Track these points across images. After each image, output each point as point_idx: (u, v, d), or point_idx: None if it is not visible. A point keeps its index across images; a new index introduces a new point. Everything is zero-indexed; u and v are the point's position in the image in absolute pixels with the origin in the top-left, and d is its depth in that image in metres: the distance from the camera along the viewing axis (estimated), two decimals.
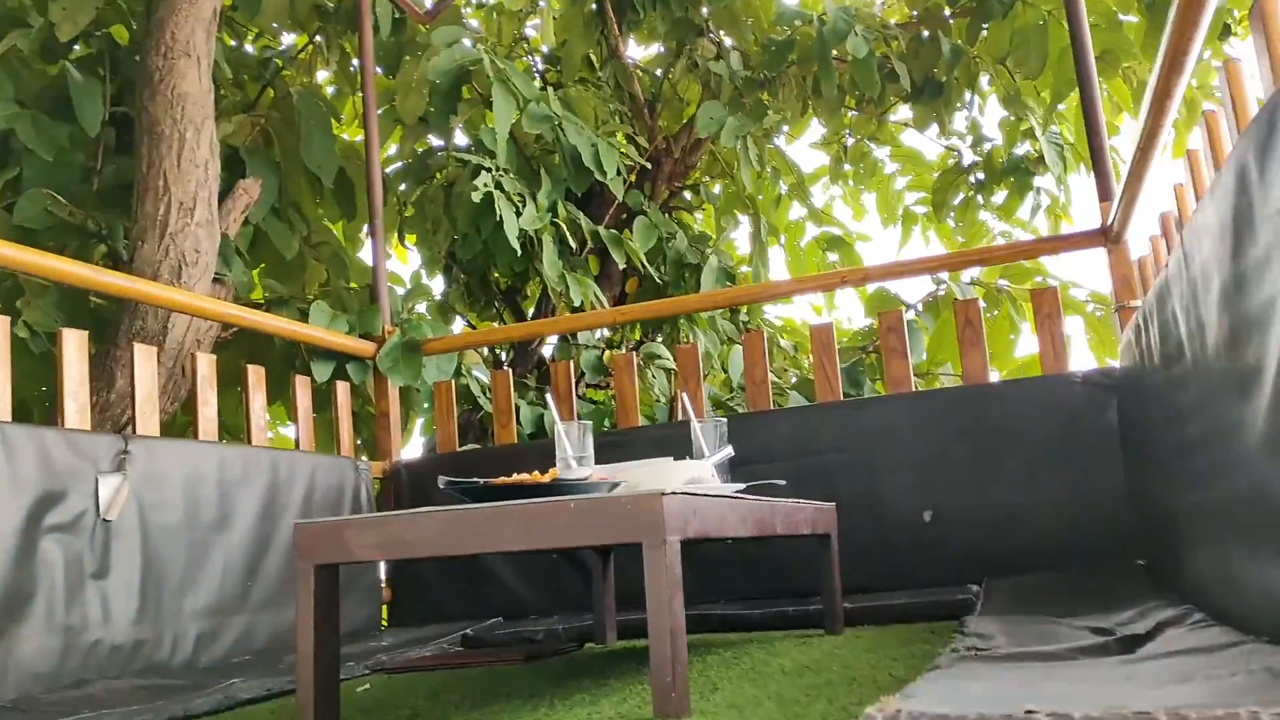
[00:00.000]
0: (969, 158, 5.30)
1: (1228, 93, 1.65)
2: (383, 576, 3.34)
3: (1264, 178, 1.06)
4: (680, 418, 3.54)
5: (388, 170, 4.88)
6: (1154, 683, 1.00)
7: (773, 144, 5.40)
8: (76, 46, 3.75)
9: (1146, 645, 1.45)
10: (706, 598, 2.86)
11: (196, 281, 3.17)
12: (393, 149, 5.10)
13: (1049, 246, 3.24)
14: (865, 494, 2.86)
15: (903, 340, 3.03)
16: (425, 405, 4.35)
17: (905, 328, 3.05)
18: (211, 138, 3.30)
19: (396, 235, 5.09)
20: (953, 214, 5.42)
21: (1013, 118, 5.05)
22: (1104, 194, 2.94)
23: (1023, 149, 5.12)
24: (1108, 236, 2.87)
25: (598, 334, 4.87)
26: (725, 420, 2.37)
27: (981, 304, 3.12)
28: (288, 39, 4.95)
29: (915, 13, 5.04)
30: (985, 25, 4.72)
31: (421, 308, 4.93)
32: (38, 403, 3.39)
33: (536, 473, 1.68)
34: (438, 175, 4.69)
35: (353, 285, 4.43)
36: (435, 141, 4.92)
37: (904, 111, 5.49)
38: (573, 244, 4.42)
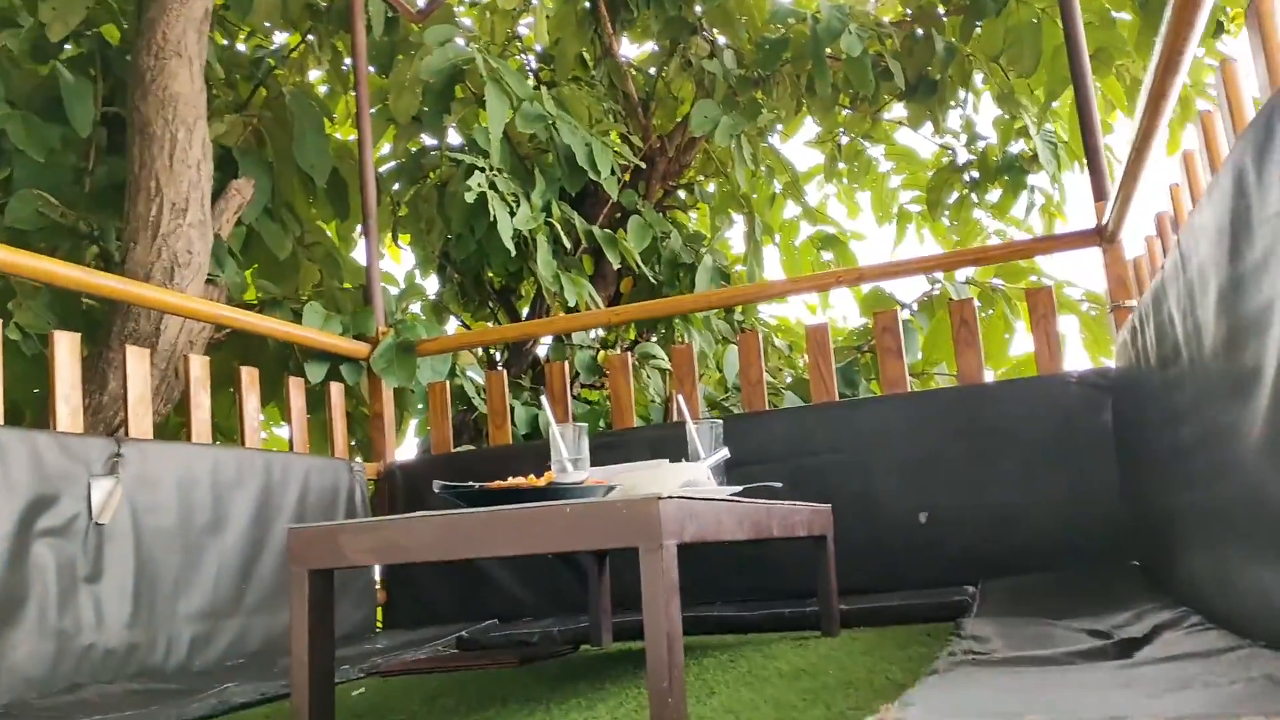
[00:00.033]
0: (963, 156, 5.30)
1: (1223, 93, 1.64)
2: (377, 578, 3.34)
3: (1261, 180, 1.05)
4: (675, 418, 3.53)
5: (381, 170, 4.87)
6: (1153, 690, 1.00)
7: (767, 142, 5.40)
8: (67, 46, 3.73)
9: (1144, 649, 1.44)
10: (702, 599, 2.85)
11: (189, 283, 3.16)
12: (386, 148, 5.09)
13: (1044, 246, 3.24)
14: (861, 495, 2.85)
15: (898, 340, 3.02)
16: (420, 406, 4.34)
17: (900, 328, 3.05)
18: (204, 138, 3.28)
19: (390, 235, 5.07)
20: (947, 212, 5.42)
21: (1007, 116, 5.05)
22: (1099, 193, 2.94)
23: (1017, 147, 5.12)
24: (1103, 236, 2.87)
25: (592, 334, 4.86)
26: (721, 422, 2.37)
27: (976, 303, 3.11)
28: (280, 38, 4.94)
29: (909, 11, 5.04)
30: (979, 23, 4.71)
31: (415, 308, 4.93)
32: (30, 405, 3.37)
33: (532, 476, 1.68)
34: (431, 175, 4.67)
35: (346, 285, 4.42)
36: (429, 140, 4.91)
37: (898, 110, 5.48)
38: (567, 244, 4.41)
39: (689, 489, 1.85)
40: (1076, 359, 8.68)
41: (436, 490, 1.63)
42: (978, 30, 4.73)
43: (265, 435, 5.02)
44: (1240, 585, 1.34)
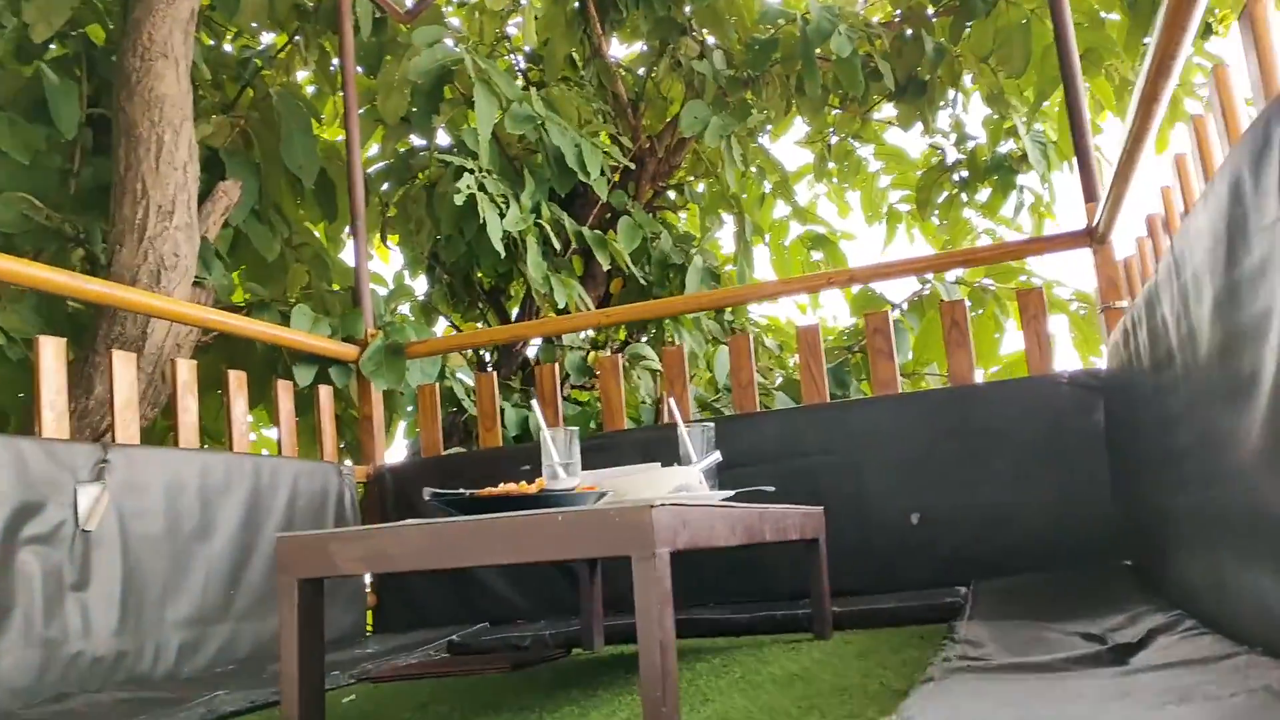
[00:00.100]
0: (953, 156, 5.31)
1: (1216, 98, 1.64)
2: (367, 582, 3.32)
3: (1259, 188, 1.05)
4: (667, 420, 3.53)
5: (369, 170, 4.84)
6: (1153, 702, 0.99)
7: (756, 142, 5.39)
8: (52, 47, 3.70)
9: (1139, 654, 1.44)
10: (695, 601, 2.84)
11: (176, 285, 3.14)
12: (374, 149, 5.06)
13: (1035, 247, 3.24)
14: (852, 496, 2.85)
15: (889, 341, 3.02)
16: (409, 408, 4.32)
17: (891, 329, 3.04)
18: (190, 139, 3.26)
19: (379, 235, 5.05)
20: (936, 212, 5.43)
21: (996, 116, 5.06)
22: (1089, 194, 2.94)
23: (1006, 147, 5.13)
24: (1093, 237, 2.87)
25: (582, 334, 4.84)
26: (712, 425, 2.36)
27: (967, 303, 3.11)
28: (267, 38, 4.91)
29: (898, 11, 5.04)
30: (968, 24, 4.72)
31: (404, 308, 4.91)
32: (15, 410, 3.34)
33: (524, 483, 1.66)
34: (420, 175, 4.65)
35: (335, 286, 4.40)
36: (417, 141, 4.89)
37: (888, 110, 5.49)
38: (557, 245, 4.39)
39: (681, 494, 1.84)
40: (1066, 358, 8.71)
41: (427, 498, 1.61)
42: (967, 31, 4.74)
43: (254, 437, 5.00)
44: (1236, 590, 1.34)
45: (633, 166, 4.95)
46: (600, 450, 3.00)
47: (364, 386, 3.54)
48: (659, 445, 2.82)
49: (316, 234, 4.67)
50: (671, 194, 5.61)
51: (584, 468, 2.25)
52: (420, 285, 5.09)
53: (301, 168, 4.02)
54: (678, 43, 4.87)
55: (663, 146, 5.13)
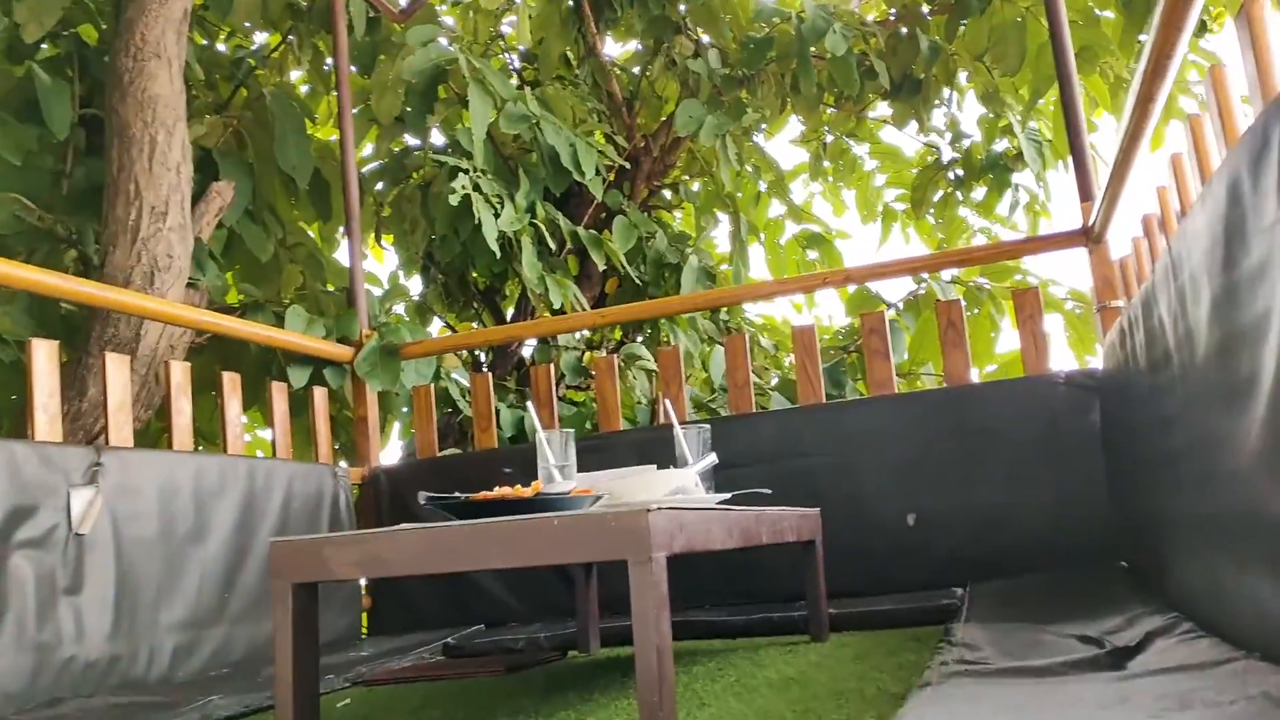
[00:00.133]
0: (948, 154, 5.30)
1: (1213, 97, 1.63)
2: (363, 584, 3.31)
3: (1257, 190, 1.04)
4: (662, 420, 3.52)
5: (364, 170, 4.83)
6: (1153, 708, 0.99)
7: (751, 141, 5.38)
8: (44, 46, 3.68)
9: (1137, 658, 1.43)
10: (691, 603, 2.83)
11: (169, 287, 3.13)
12: (369, 148, 5.05)
13: (1031, 247, 3.23)
14: (849, 497, 2.84)
15: (885, 342, 3.01)
16: (404, 409, 4.31)
17: (887, 328, 3.04)
18: (183, 140, 3.24)
19: (373, 235, 5.04)
20: (932, 210, 5.42)
21: (991, 114, 5.05)
22: (1085, 194, 2.94)
23: (1001, 145, 5.12)
24: (1089, 237, 2.87)
25: (578, 334, 4.83)
26: (708, 426, 2.35)
27: (962, 303, 3.11)
28: (260, 38, 4.89)
29: (893, 10, 5.03)
30: (963, 22, 4.71)
31: (399, 308, 4.90)
32: (8, 413, 3.33)
33: (519, 486, 1.66)
34: (415, 175, 4.64)
35: (330, 287, 4.38)
36: (412, 141, 4.88)
37: (883, 108, 5.48)
38: (552, 245, 4.38)
39: (677, 497, 1.83)
40: (1061, 357, 8.71)
41: (422, 502, 1.60)
42: (962, 29, 4.73)
43: (249, 438, 4.99)
44: (1233, 594, 1.33)
45: (628, 166, 4.95)
46: (596, 451, 2.99)
47: (359, 388, 3.53)
48: (655, 446, 2.81)
49: (311, 234, 4.66)
50: (667, 193, 5.60)
51: (580, 469, 2.25)
52: (415, 285, 5.08)
53: (295, 168, 4.01)
54: (672, 41, 4.86)
55: (658, 145, 5.12)
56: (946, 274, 4.69)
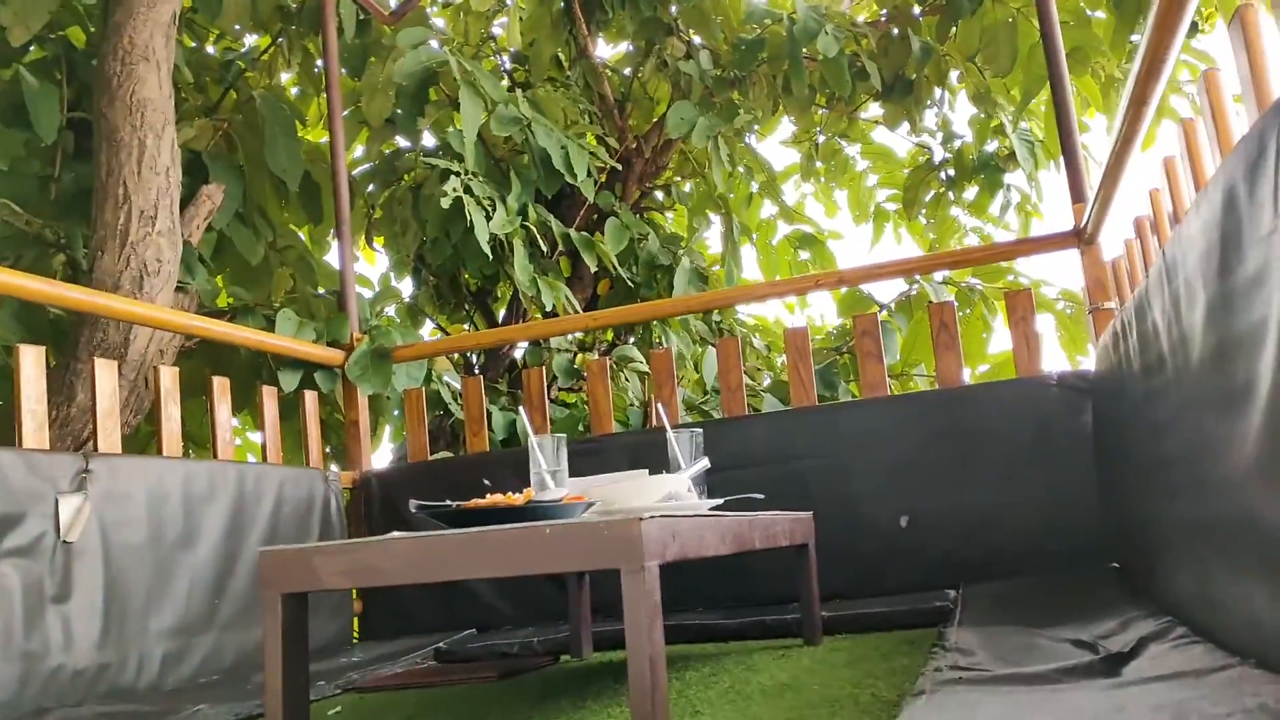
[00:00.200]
0: (940, 155, 5.30)
1: (1206, 101, 1.63)
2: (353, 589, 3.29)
3: (1253, 199, 1.04)
4: (655, 423, 3.51)
5: (354, 172, 4.81)
6: (1149, 719, 0.98)
7: (744, 142, 5.38)
8: (31, 49, 3.65)
9: (1131, 664, 1.43)
10: (683, 606, 2.83)
11: (159, 291, 3.11)
12: (359, 150, 5.03)
13: (1023, 249, 3.23)
14: (842, 499, 2.83)
15: (878, 344, 3.01)
16: (395, 412, 4.30)
17: (880, 331, 3.03)
18: (172, 144, 3.22)
19: (364, 238, 5.02)
20: (924, 211, 5.42)
21: (983, 115, 5.05)
22: (1077, 195, 2.94)
23: (993, 146, 5.12)
24: (1081, 238, 2.87)
25: (569, 336, 4.82)
26: (701, 430, 2.34)
27: (954, 303, 3.10)
28: (250, 40, 4.87)
29: (885, 11, 5.03)
30: (955, 23, 4.71)
31: (390, 310, 4.88)
32: None
33: (511, 494, 1.64)
34: (406, 177, 4.62)
35: (320, 289, 4.36)
36: (403, 143, 4.86)
37: (874, 109, 5.48)
38: (544, 247, 4.37)
39: (670, 504, 1.82)
40: (1052, 357, 8.72)
41: (414, 509, 1.59)
42: (954, 30, 4.73)
43: (239, 442, 4.96)
44: (1228, 601, 1.33)
45: (619, 167, 4.93)
46: (588, 454, 2.99)
47: (350, 391, 3.52)
48: (647, 449, 2.80)
49: (301, 237, 4.64)
50: (659, 194, 5.59)
51: (572, 472, 2.24)
52: (406, 287, 5.06)
53: (285, 170, 3.99)
54: (664, 43, 4.85)
55: (649, 147, 5.11)
56: (938, 274, 4.69)
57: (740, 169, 5.35)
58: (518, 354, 4.93)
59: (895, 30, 4.82)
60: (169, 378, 2.73)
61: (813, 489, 2.83)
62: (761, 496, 2.23)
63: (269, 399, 3.15)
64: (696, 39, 4.97)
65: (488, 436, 3.46)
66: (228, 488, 2.71)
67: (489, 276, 4.72)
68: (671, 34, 4.88)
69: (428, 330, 5.18)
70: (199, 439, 3.80)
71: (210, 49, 4.70)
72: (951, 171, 5.25)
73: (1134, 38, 4.48)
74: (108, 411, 2.49)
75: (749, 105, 4.90)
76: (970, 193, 5.23)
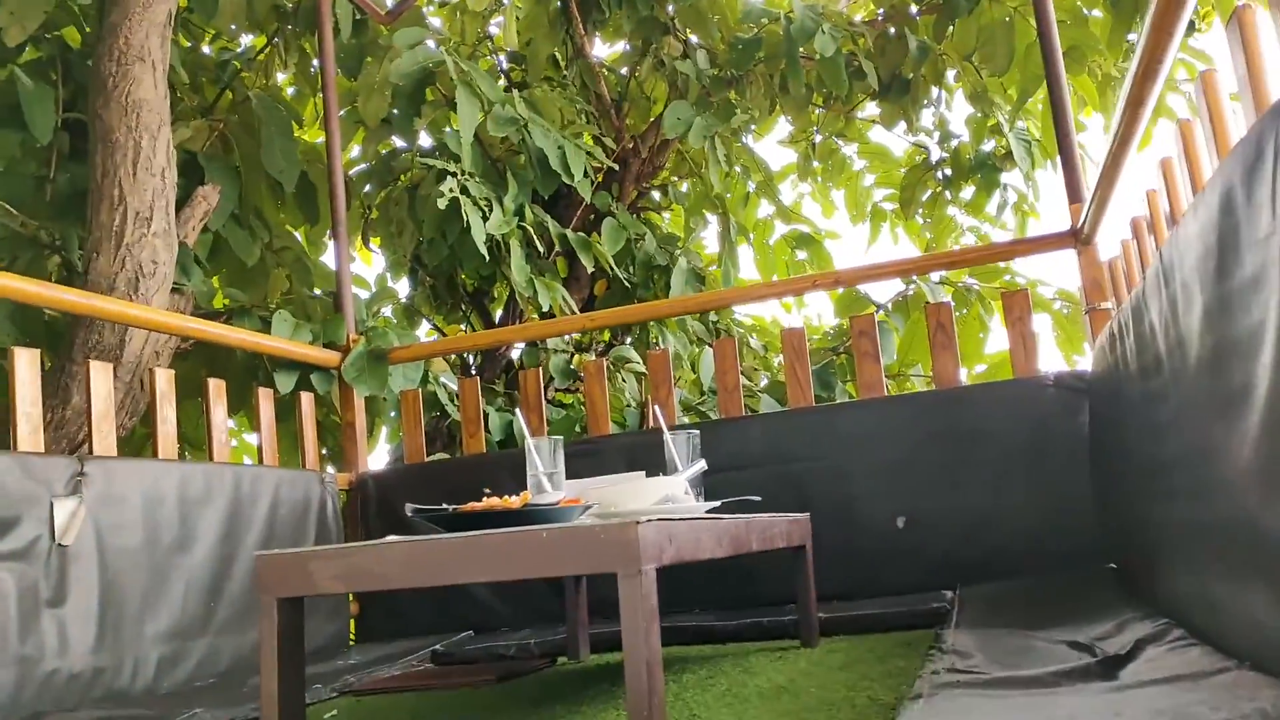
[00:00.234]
0: (936, 154, 5.30)
1: (1204, 102, 1.62)
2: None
3: (1251, 201, 1.03)
4: (651, 424, 3.51)
5: (351, 173, 4.80)
6: None
7: (740, 142, 5.37)
8: (26, 50, 3.64)
9: (1129, 666, 1.43)
10: (680, 607, 2.83)
11: (154, 293, 3.10)
12: (355, 150, 5.02)
13: (1020, 249, 3.22)
14: (839, 500, 2.83)
15: (874, 344, 3.01)
16: (392, 413, 4.29)
17: (877, 331, 3.03)
18: (168, 144, 3.22)
19: (361, 238, 5.01)
20: (921, 210, 5.42)
21: (980, 114, 5.05)
22: (1074, 195, 2.93)
23: (989, 145, 5.12)
24: (1078, 239, 2.86)
25: (566, 337, 4.82)
26: (698, 432, 2.34)
27: (951, 303, 3.10)
28: (245, 40, 4.86)
29: (881, 10, 5.03)
30: (952, 22, 4.71)
31: (387, 311, 4.87)
32: None
33: (508, 497, 1.64)
34: (402, 178, 4.62)
35: (317, 290, 4.36)
36: (399, 143, 4.85)
37: (871, 108, 5.48)
38: (540, 247, 4.36)
39: (667, 506, 1.82)
40: (1049, 356, 8.73)
41: (410, 514, 1.59)
42: (950, 29, 4.73)
43: (235, 444, 4.95)
44: (1224, 603, 1.33)
45: (616, 167, 4.93)
46: (585, 455, 2.99)
47: (346, 392, 3.51)
48: (644, 450, 2.80)
49: (298, 238, 4.63)
50: (655, 195, 5.58)
51: (569, 473, 2.24)
52: (403, 288, 5.05)
53: (282, 171, 3.98)
54: (661, 42, 4.85)
55: (646, 147, 5.10)
56: (935, 275, 4.69)
57: (737, 169, 5.34)
58: (514, 355, 4.93)
59: (892, 29, 4.81)
60: (164, 380, 2.72)
61: (810, 490, 2.83)
62: (759, 499, 2.23)
63: (265, 401, 3.14)
64: (693, 38, 4.97)
65: (484, 438, 3.45)
66: (223, 490, 2.70)
67: (485, 277, 4.72)
68: (668, 33, 4.88)
69: (424, 331, 5.18)
70: (195, 441, 3.80)
71: (206, 49, 4.69)
72: (948, 171, 5.25)
73: (1131, 36, 4.48)
74: (103, 414, 2.48)
75: (746, 105, 4.89)
76: (967, 192, 5.23)
